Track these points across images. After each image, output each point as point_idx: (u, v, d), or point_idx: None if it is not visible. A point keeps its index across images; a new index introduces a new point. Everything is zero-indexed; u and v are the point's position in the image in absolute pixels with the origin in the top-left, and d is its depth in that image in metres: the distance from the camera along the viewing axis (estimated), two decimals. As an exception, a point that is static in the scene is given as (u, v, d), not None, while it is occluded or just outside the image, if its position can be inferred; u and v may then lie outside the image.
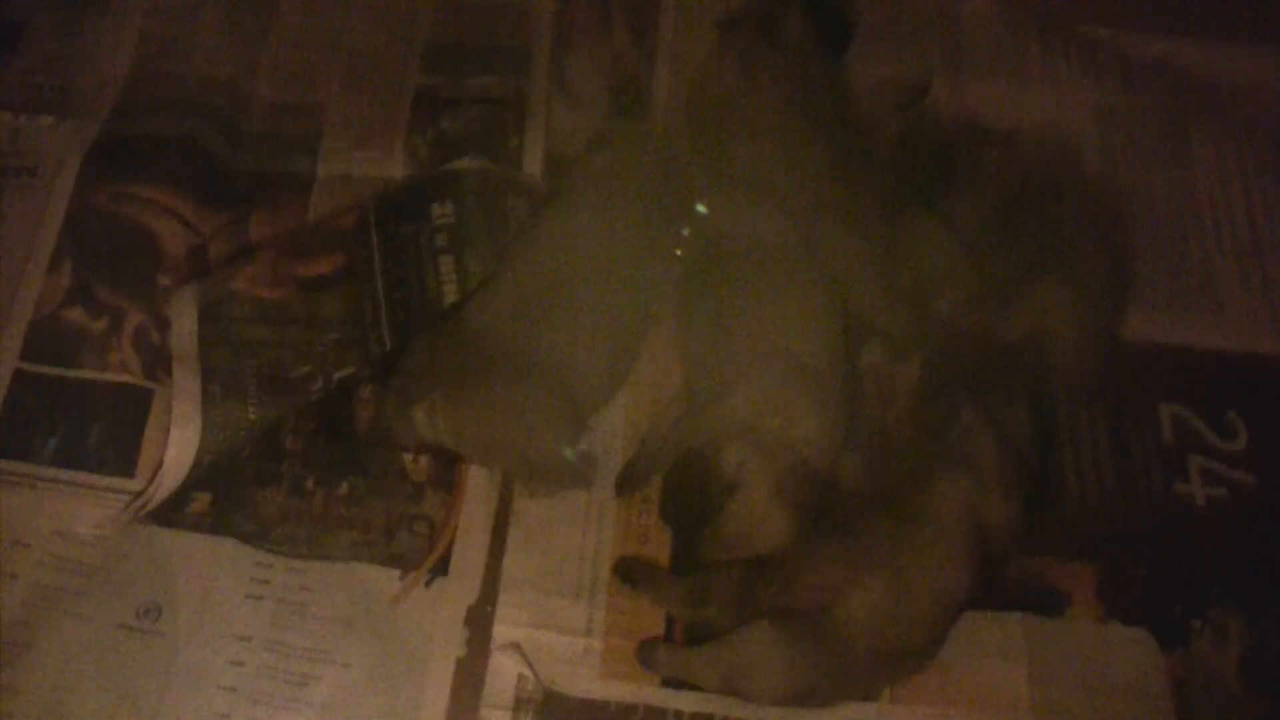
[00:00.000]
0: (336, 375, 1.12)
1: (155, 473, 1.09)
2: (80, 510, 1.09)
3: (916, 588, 0.99)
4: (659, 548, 1.09)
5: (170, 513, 1.09)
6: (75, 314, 1.17)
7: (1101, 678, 1.05)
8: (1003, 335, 1.11)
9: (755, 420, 1.07)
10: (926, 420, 1.06)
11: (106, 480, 1.10)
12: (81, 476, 1.11)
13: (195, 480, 1.09)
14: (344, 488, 1.11)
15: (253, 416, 1.11)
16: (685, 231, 1.17)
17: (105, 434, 1.12)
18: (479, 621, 1.05)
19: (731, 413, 1.08)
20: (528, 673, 1.03)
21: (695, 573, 1.05)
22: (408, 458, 1.12)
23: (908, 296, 1.14)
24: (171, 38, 1.32)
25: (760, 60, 1.21)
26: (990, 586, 1.03)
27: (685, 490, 1.10)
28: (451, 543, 1.09)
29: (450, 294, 1.15)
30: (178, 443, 1.09)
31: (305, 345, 1.13)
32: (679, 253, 1.17)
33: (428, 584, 1.07)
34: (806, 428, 1.06)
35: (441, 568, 1.08)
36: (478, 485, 1.11)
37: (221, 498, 1.10)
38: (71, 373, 1.15)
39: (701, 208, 1.17)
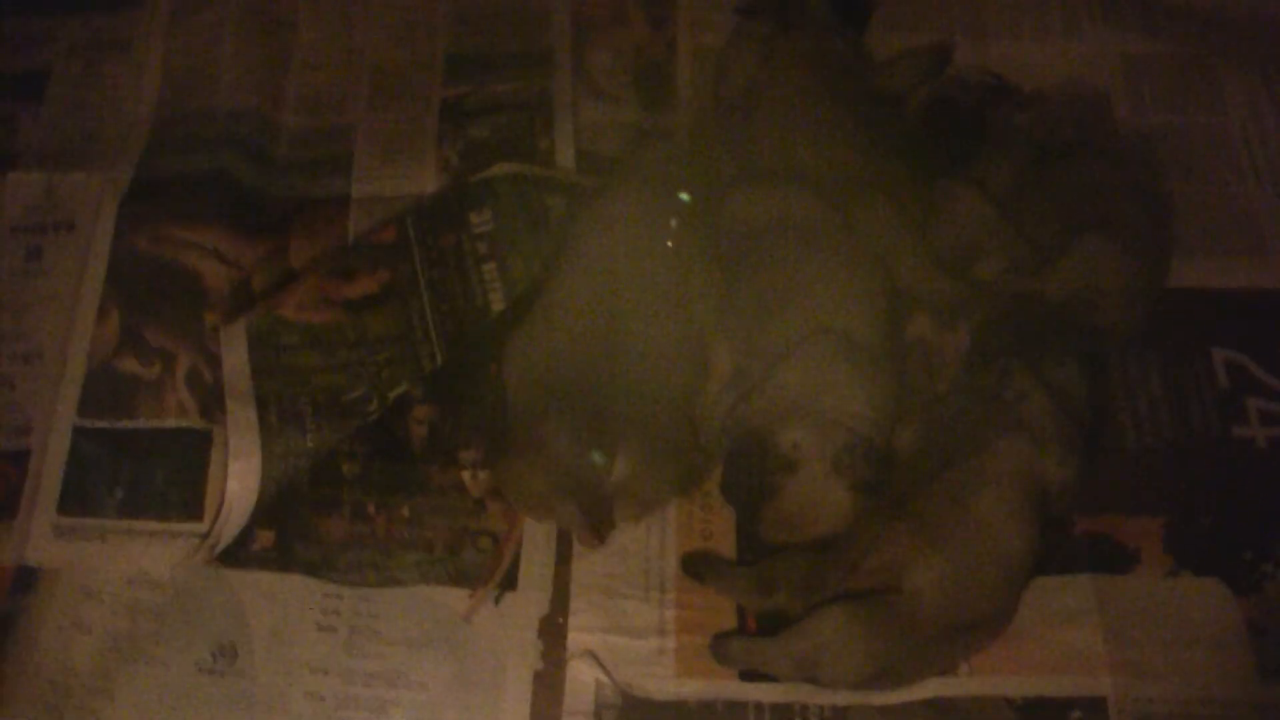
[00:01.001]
0: (391, 394, 1.13)
1: (220, 511, 1.10)
2: (151, 555, 1.10)
3: (981, 556, 0.99)
4: (723, 543, 1.09)
5: (235, 552, 1.09)
6: (128, 363, 1.17)
7: (1177, 630, 1.04)
8: (1048, 295, 1.10)
9: (807, 399, 1.06)
10: (979, 387, 1.06)
11: (174, 525, 1.11)
12: (149, 525, 1.11)
13: (259, 516, 1.09)
14: (405, 509, 1.11)
15: (310, 444, 1.11)
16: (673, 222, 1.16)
17: (169, 479, 1.13)
18: (552, 632, 1.06)
19: (782, 392, 1.07)
20: (605, 679, 1.03)
21: (760, 560, 1.05)
22: (466, 473, 1.12)
23: (949, 265, 1.13)
24: (194, 73, 1.32)
25: (782, 44, 1.21)
26: (1055, 548, 1.03)
27: (745, 471, 1.08)
28: (517, 555, 1.09)
29: (496, 301, 1.15)
30: (239, 476, 1.10)
31: (358, 367, 1.13)
32: (669, 244, 1.15)
33: (497, 600, 1.07)
34: (859, 403, 1.06)
35: (510, 582, 1.08)
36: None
37: (284, 532, 1.10)
38: (131, 423, 1.15)
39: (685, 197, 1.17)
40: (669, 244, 1.13)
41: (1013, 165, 1.17)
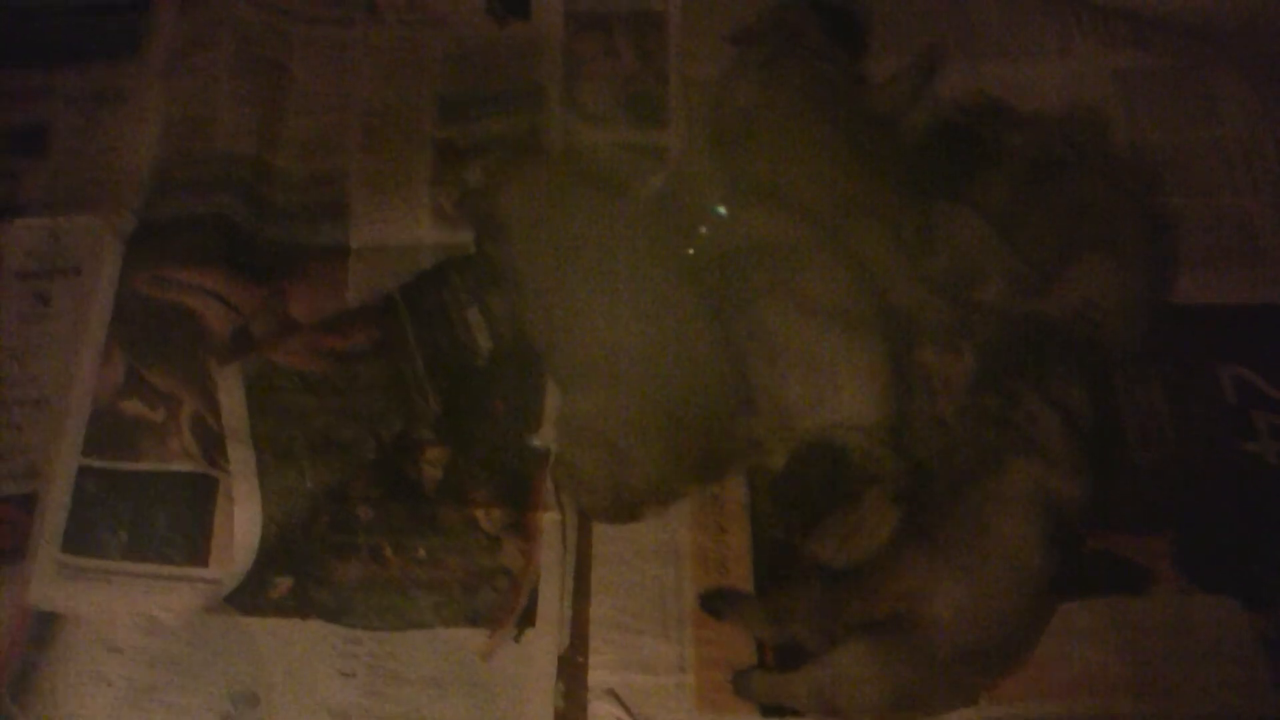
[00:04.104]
0: (387, 434, 1.14)
1: (227, 557, 1.10)
2: (156, 600, 1.09)
3: (1001, 577, 0.99)
4: (739, 578, 1.09)
5: (253, 599, 1.09)
6: (133, 405, 1.17)
7: (1192, 648, 1.05)
8: (1050, 315, 1.11)
9: (809, 415, 1.07)
10: (988, 410, 1.06)
11: (179, 570, 1.10)
12: (153, 568, 1.11)
13: (271, 562, 1.10)
14: (421, 550, 1.12)
15: (309, 484, 1.12)
16: (702, 230, 1.18)
17: (172, 523, 1.12)
18: (572, 671, 1.06)
19: (786, 410, 1.08)
20: (626, 717, 1.03)
21: (777, 591, 1.06)
22: (480, 511, 1.13)
23: (948, 288, 1.13)
24: (192, 119, 1.32)
25: (779, 72, 1.22)
26: (1070, 568, 1.03)
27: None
28: (535, 592, 1.09)
29: (484, 341, 1.17)
30: (242, 521, 1.10)
31: (352, 410, 1.14)
32: (690, 252, 1.17)
33: (517, 638, 1.08)
34: (860, 416, 1.06)
35: (528, 619, 1.08)
36: (553, 530, 1.12)
37: (302, 578, 1.10)
38: (135, 465, 1.14)
39: (721, 209, 1.17)
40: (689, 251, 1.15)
41: (1009, 185, 1.17)
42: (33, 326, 1.23)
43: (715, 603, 1.07)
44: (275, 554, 1.10)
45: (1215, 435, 1.13)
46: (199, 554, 1.11)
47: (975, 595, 0.98)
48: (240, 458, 1.12)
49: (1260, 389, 1.14)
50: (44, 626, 1.09)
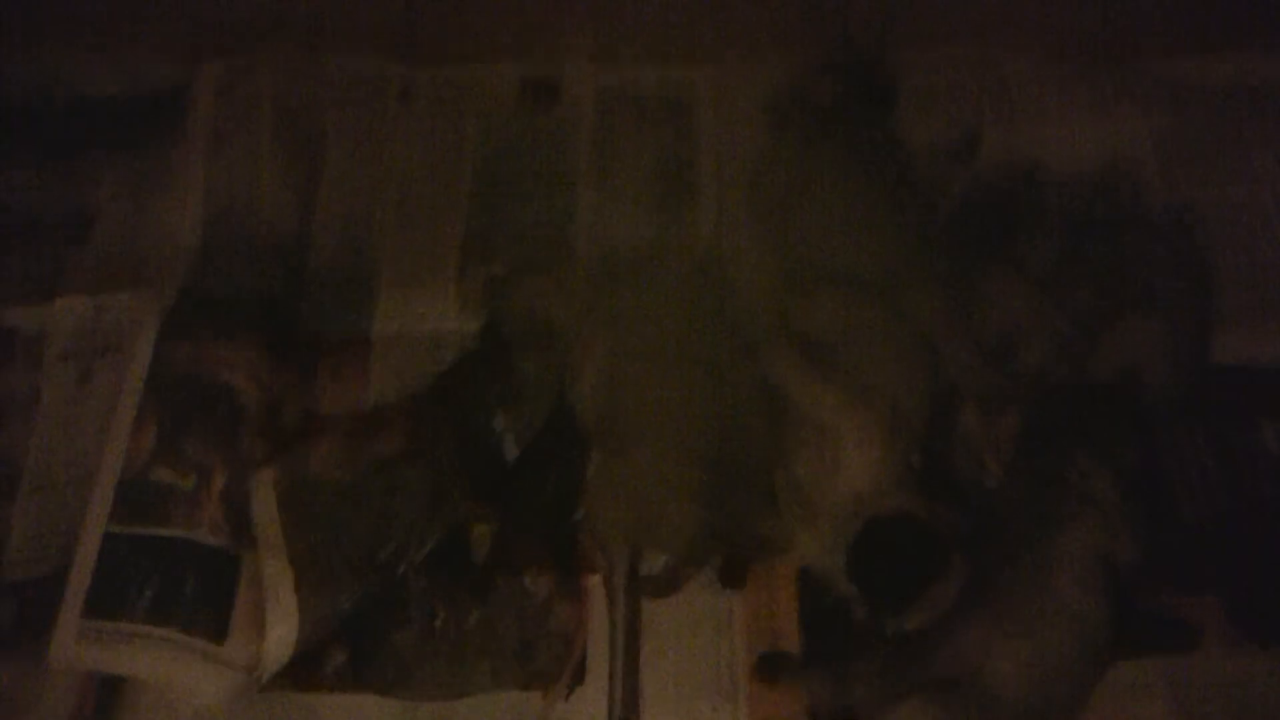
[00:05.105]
0: (421, 553, 1.14)
1: (254, 649, 1.11)
2: (179, 671, 1.10)
3: (1063, 635, 1.00)
4: (789, 644, 1.10)
5: (309, 674, 1.10)
6: (164, 472, 1.17)
7: (1246, 703, 1.04)
8: (1095, 377, 1.12)
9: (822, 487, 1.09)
10: (1040, 471, 1.07)
11: (200, 643, 1.10)
12: (174, 634, 1.10)
13: (331, 637, 1.11)
14: (473, 617, 1.12)
15: (347, 606, 1.12)
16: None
17: (196, 592, 1.12)
18: (626, 733, 1.06)
19: (799, 486, 1.10)
20: (682, 781, 1.03)
21: (834, 658, 1.06)
22: (529, 577, 1.13)
23: (994, 351, 1.14)
24: (234, 201, 1.33)
25: (817, 147, 1.23)
26: (1125, 626, 1.03)
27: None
28: (584, 651, 1.11)
29: (510, 448, 1.17)
30: (274, 642, 1.10)
31: (387, 525, 1.14)
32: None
33: (568, 697, 1.09)
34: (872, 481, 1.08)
35: (579, 676, 1.10)
36: (598, 590, 1.13)
37: (357, 652, 1.11)
38: (163, 530, 1.14)
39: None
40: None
41: (1051, 247, 1.18)
42: (74, 406, 1.23)
43: (771, 668, 1.08)
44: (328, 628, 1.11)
45: (1261, 490, 1.13)
46: (220, 631, 1.11)
47: (1035, 654, 0.99)
48: (275, 574, 1.12)
49: (1303, 444, 1.14)
50: (109, 698, 1.10)
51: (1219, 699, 1.05)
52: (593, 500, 1.13)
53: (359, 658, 1.11)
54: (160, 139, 1.38)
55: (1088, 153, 1.30)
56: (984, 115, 1.33)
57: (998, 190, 1.25)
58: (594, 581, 1.13)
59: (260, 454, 1.17)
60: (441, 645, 1.11)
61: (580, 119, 1.38)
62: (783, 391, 1.12)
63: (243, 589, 1.13)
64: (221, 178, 1.34)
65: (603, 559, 1.13)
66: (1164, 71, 1.35)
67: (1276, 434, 1.16)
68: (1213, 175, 1.29)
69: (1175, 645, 1.07)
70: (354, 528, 1.13)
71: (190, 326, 1.24)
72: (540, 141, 1.36)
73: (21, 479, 1.19)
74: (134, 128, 1.39)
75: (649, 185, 1.33)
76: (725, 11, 1.37)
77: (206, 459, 1.17)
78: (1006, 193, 1.25)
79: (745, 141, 1.31)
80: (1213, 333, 1.18)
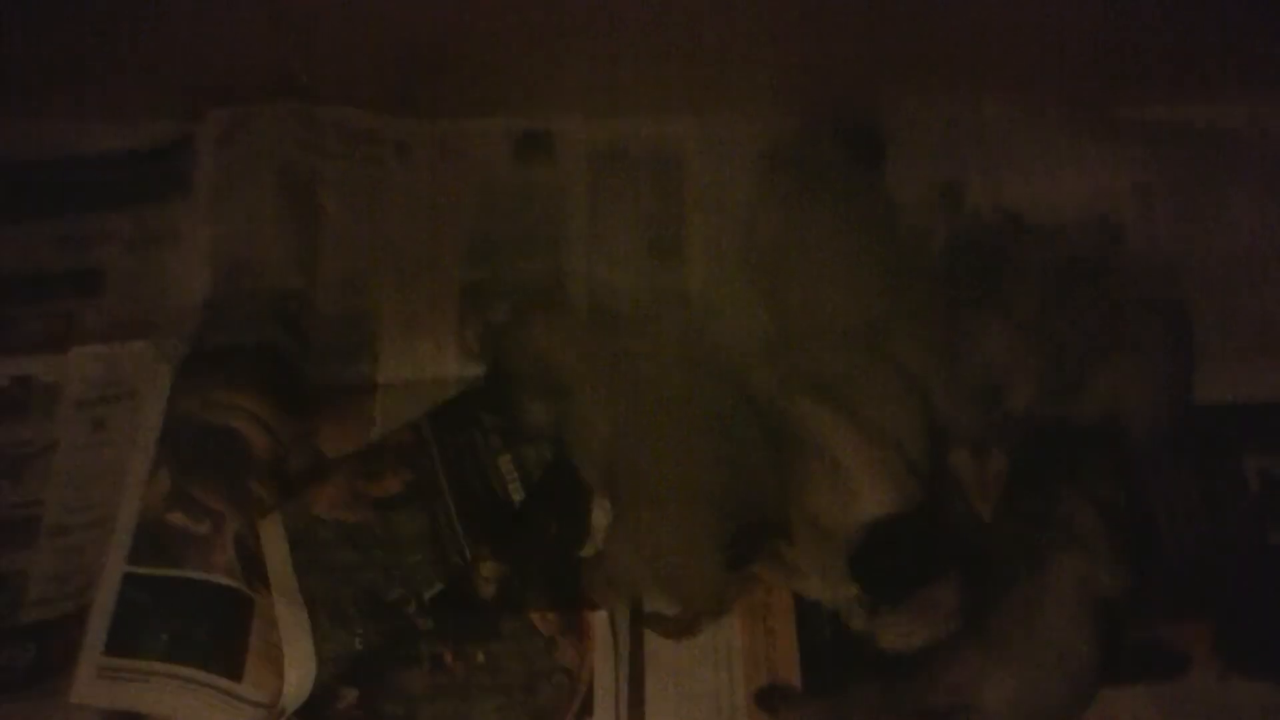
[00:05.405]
0: (427, 595, 1.17)
1: (272, 687, 1.13)
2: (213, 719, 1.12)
3: (1049, 668, 1.03)
4: (788, 677, 1.13)
5: (321, 713, 1.12)
6: (178, 517, 1.19)
7: (1233, 732, 1.07)
8: (1080, 418, 1.15)
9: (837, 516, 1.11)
10: (1028, 510, 1.10)
11: (220, 680, 1.12)
12: (194, 673, 1.12)
13: (341, 676, 1.13)
14: (480, 655, 1.15)
15: (360, 647, 1.15)
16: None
17: (214, 631, 1.14)
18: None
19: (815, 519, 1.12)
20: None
21: (831, 689, 1.09)
22: (535, 615, 1.16)
23: (979, 395, 1.17)
24: (239, 255, 1.34)
25: (808, 203, 1.25)
26: (1113, 656, 1.06)
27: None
28: (590, 686, 1.13)
29: (516, 491, 1.20)
30: (294, 683, 1.13)
31: (392, 567, 1.17)
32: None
33: (575, 729, 1.10)
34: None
35: (586, 710, 1.12)
36: (605, 629, 1.16)
37: (368, 692, 1.13)
38: (178, 572, 1.16)
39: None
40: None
41: (1035, 295, 1.21)
42: (89, 453, 1.25)
43: (771, 700, 1.11)
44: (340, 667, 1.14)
45: (1243, 526, 1.17)
46: (235, 669, 1.13)
47: (1027, 684, 1.02)
48: (290, 615, 1.15)
49: (1281, 480, 1.17)
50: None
51: (1205, 726, 1.06)
52: (611, 550, 1.15)
53: (370, 697, 1.13)
54: (164, 193, 1.40)
55: (1069, 201, 1.33)
56: (968, 165, 1.35)
57: (982, 238, 1.28)
58: (598, 617, 1.16)
59: (267, 499, 1.19)
60: (450, 684, 1.14)
61: (573, 172, 1.40)
62: (802, 433, 1.13)
63: (256, 628, 1.15)
64: (225, 231, 1.36)
65: (611, 596, 1.15)
66: (1142, 120, 1.38)
67: (1257, 472, 1.19)
68: (1191, 221, 1.32)
69: (1164, 673, 1.10)
70: (360, 569, 1.16)
71: (199, 376, 1.26)
72: (535, 194, 1.38)
73: (37, 524, 1.21)
74: (138, 182, 1.41)
75: (640, 237, 1.35)
76: (717, 67, 1.38)
77: (217, 504, 1.19)
78: (991, 241, 1.28)
79: (736, 195, 1.33)
80: (1193, 374, 1.21)
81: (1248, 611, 1.12)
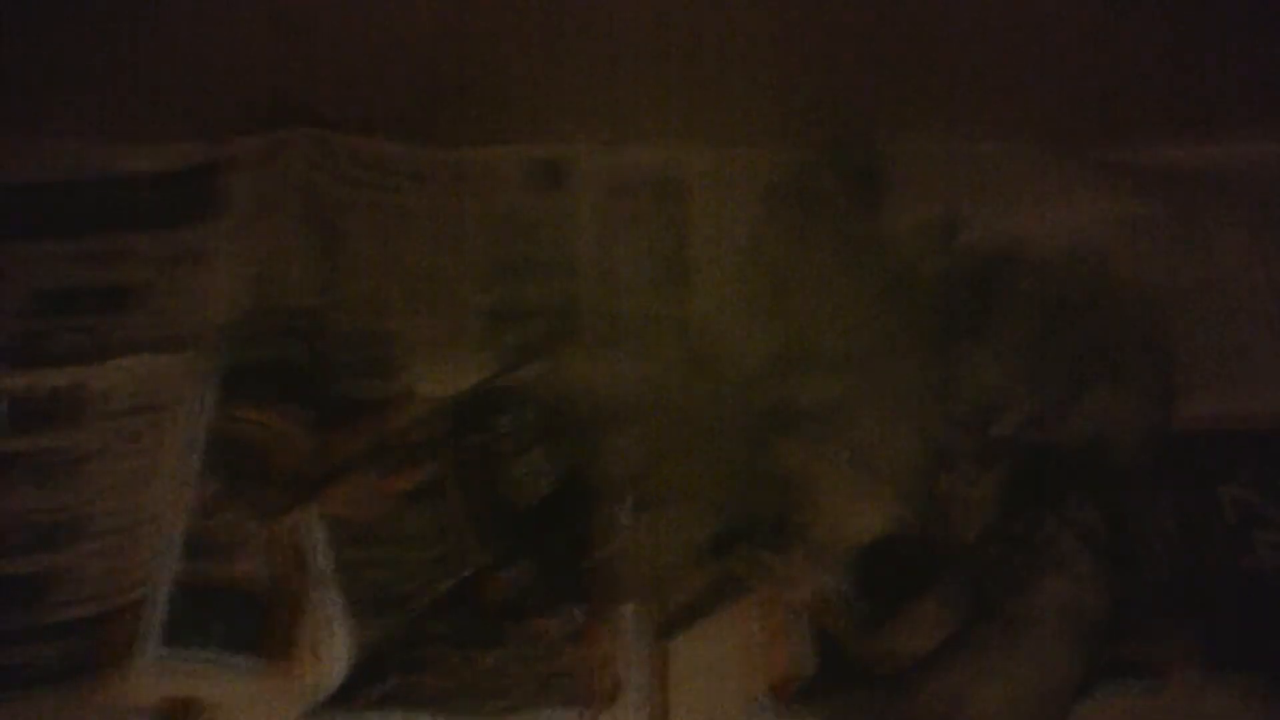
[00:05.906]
0: (440, 589, 1.19)
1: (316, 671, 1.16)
2: (268, 704, 1.14)
3: (1033, 685, 1.08)
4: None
5: (357, 695, 1.15)
6: (217, 521, 1.22)
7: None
8: (1064, 445, 1.19)
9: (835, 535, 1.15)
10: (1012, 534, 1.14)
11: (272, 666, 1.16)
12: (249, 661, 1.15)
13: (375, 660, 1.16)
14: (489, 660, 1.17)
15: (396, 632, 1.18)
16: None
17: (259, 622, 1.17)
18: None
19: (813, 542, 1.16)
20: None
21: (819, 701, 1.12)
22: (541, 621, 1.18)
23: (969, 424, 1.21)
24: (265, 276, 1.38)
25: (807, 236, 1.30)
26: (1094, 673, 1.11)
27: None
28: (605, 689, 1.15)
29: (546, 484, 1.23)
30: (332, 666, 1.16)
31: (402, 566, 1.20)
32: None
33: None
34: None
35: (611, 697, 1.15)
36: (621, 631, 1.18)
37: (380, 699, 1.16)
38: (227, 569, 1.20)
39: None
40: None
41: (1023, 327, 1.25)
42: (125, 462, 1.29)
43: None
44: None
45: (1218, 553, 1.20)
46: (280, 657, 1.16)
47: (1010, 699, 1.06)
48: (327, 605, 1.19)
49: (1256, 508, 1.22)
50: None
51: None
52: (628, 551, 1.19)
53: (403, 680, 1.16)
54: (194, 214, 1.44)
55: (1059, 239, 1.36)
56: (961, 200, 1.39)
57: (975, 270, 1.31)
58: (613, 619, 1.18)
59: (286, 504, 1.23)
60: (458, 687, 1.16)
61: (582, 199, 1.44)
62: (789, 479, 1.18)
63: (298, 619, 1.18)
64: (254, 252, 1.40)
65: (632, 591, 1.18)
66: (1132, 160, 1.44)
67: (1232, 500, 1.23)
68: (1177, 257, 1.37)
69: (1141, 688, 1.13)
70: (366, 567, 1.20)
71: (225, 393, 1.30)
72: (545, 220, 1.43)
73: (73, 528, 1.24)
74: (168, 204, 1.45)
75: (646, 263, 1.39)
76: (723, 102, 1.43)
77: (246, 511, 1.23)
78: (983, 273, 1.31)
79: (739, 226, 1.37)
80: (1175, 404, 1.25)
81: (1224, 631, 1.15)
